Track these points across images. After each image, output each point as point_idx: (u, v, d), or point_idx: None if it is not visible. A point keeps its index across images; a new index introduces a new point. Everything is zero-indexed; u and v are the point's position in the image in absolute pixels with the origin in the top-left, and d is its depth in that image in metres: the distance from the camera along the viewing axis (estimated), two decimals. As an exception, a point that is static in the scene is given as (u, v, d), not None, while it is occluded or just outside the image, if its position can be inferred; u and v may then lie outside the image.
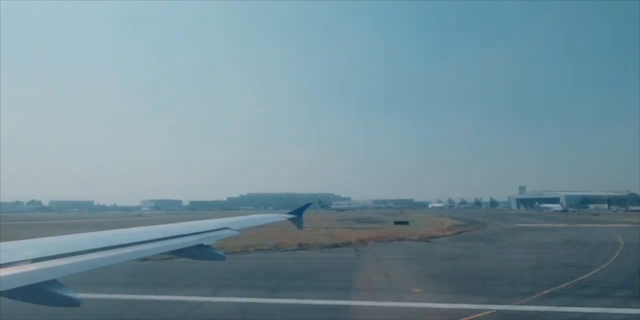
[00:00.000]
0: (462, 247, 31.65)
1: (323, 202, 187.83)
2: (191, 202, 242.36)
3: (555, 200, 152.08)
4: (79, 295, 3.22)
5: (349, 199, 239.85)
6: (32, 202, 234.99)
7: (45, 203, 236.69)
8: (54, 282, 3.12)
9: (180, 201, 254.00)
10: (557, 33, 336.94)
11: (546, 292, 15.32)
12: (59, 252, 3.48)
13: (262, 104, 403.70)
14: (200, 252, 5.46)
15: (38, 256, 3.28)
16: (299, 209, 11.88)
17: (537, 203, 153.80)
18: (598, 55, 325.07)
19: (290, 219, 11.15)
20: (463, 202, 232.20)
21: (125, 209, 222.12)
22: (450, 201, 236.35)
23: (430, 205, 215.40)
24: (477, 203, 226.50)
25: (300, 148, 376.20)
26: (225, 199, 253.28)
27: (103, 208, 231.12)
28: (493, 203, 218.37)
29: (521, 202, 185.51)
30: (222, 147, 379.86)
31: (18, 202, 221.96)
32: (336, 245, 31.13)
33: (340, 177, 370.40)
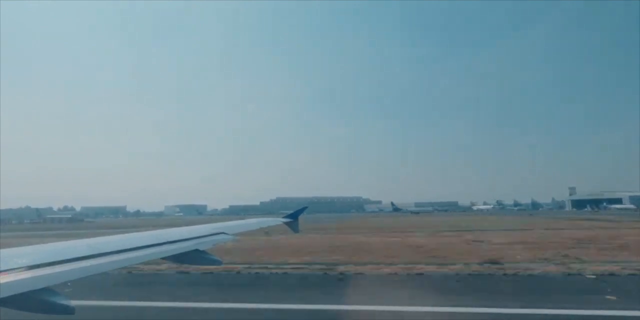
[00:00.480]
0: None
1: (395, 206, 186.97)
2: (231, 207, 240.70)
3: (617, 201, 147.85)
4: (74, 303, 3.18)
5: (379, 202, 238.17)
6: (66, 208, 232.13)
7: (77, 209, 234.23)
8: (47, 290, 3.07)
9: (205, 206, 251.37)
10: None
11: None
12: (53, 260, 3.43)
13: (285, 108, 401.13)
14: (196, 257, 5.41)
15: (31, 264, 3.23)
16: (294, 213, 11.86)
17: (604, 204, 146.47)
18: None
19: (286, 223, 11.12)
20: (517, 204, 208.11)
21: (157, 214, 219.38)
22: (498, 202, 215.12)
23: (475, 208, 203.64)
24: (516, 204, 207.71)
25: (326, 152, 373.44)
26: (258, 203, 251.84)
27: (137, 213, 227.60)
28: (535, 205, 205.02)
29: (578, 203, 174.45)
30: (249, 151, 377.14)
31: (48, 208, 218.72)
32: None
33: (367, 181, 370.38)
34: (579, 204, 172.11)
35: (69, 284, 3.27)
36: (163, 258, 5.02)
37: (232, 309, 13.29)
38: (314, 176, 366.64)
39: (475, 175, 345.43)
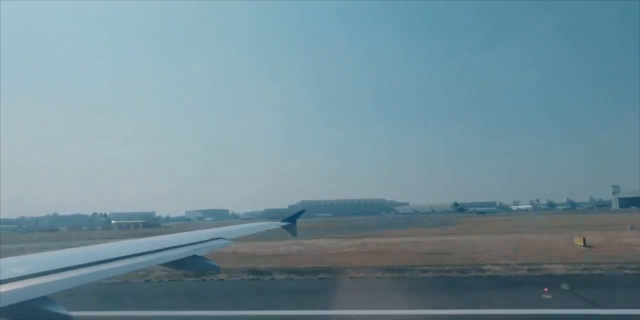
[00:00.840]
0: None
1: (460, 206, 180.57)
2: (266, 210, 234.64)
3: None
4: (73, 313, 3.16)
5: (406, 204, 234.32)
6: (95, 215, 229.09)
7: (107, 214, 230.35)
8: (45, 299, 3.06)
9: (226, 210, 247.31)
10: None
11: None
12: (50, 268, 3.42)
13: (297, 110, 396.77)
14: (194, 263, 5.40)
15: (30, 273, 3.22)
16: (292, 217, 11.83)
17: None
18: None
19: (284, 227, 11.09)
20: (551, 203, 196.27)
21: (184, 219, 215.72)
22: (537, 202, 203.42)
23: (514, 207, 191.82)
24: (551, 204, 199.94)
25: (347, 154, 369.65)
26: (286, 206, 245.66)
27: (167, 219, 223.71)
28: (571, 204, 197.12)
29: (627, 201, 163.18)
30: (268, 155, 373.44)
31: (78, 215, 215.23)
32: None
33: (390, 183, 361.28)
34: (629, 202, 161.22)
35: (68, 294, 3.25)
36: (162, 264, 5.01)
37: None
38: (335, 179, 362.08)
39: (500, 176, 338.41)
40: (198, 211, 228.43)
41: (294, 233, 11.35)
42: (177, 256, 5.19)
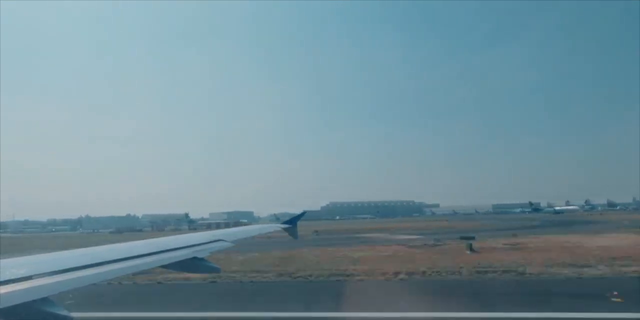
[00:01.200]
0: None
1: (535, 205, 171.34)
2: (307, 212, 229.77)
3: None
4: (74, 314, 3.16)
5: (437, 205, 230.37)
6: (128, 216, 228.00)
7: (139, 216, 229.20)
8: (45, 300, 3.06)
9: (251, 212, 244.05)
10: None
11: None
12: (50, 270, 3.42)
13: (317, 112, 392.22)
14: (194, 265, 5.40)
15: (28, 274, 3.22)
16: (293, 219, 11.84)
17: None
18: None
19: (285, 229, 11.09)
20: (589, 203, 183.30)
21: (214, 221, 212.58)
22: (587, 202, 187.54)
23: (557, 208, 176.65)
24: (588, 204, 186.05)
25: (376, 156, 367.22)
26: (319, 208, 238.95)
27: (199, 221, 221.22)
28: (611, 204, 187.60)
29: None
30: (296, 157, 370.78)
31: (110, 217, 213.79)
32: None
33: (418, 185, 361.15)
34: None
35: (70, 295, 3.25)
36: (162, 266, 5.01)
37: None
38: (360, 180, 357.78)
39: (528, 175, 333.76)
40: (223, 213, 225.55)
41: (294, 235, 11.35)
42: (178, 258, 5.19)
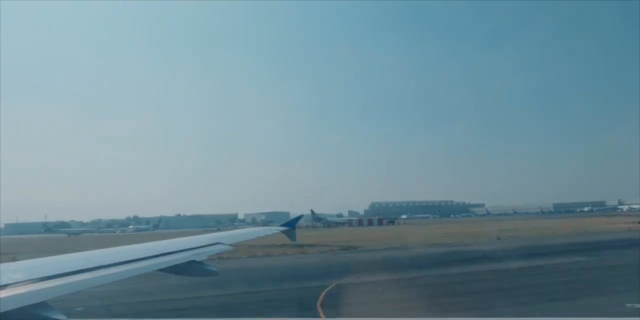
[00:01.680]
0: None
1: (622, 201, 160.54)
2: (349, 212, 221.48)
3: None
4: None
5: (482, 205, 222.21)
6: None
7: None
8: (42, 305, 3.06)
9: (287, 213, 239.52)
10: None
11: None
12: (47, 274, 3.42)
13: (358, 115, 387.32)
14: (192, 268, 5.40)
15: (25, 278, 3.22)
16: (291, 221, 11.85)
17: None
18: None
19: (283, 232, 11.09)
20: None
21: (253, 222, 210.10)
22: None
23: (624, 208, 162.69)
24: None
25: (414, 155, 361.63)
26: (362, 211, 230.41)
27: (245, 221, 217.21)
28: None
29: None
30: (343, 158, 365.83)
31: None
32: None
33: (457, 185, 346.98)
34: None
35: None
36: (159, 270, 5.01)
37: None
38: (406, 180, 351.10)
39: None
40: (261, 213, 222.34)
41: (292, 238, 11.35)
42: (175, 261, 5.19)
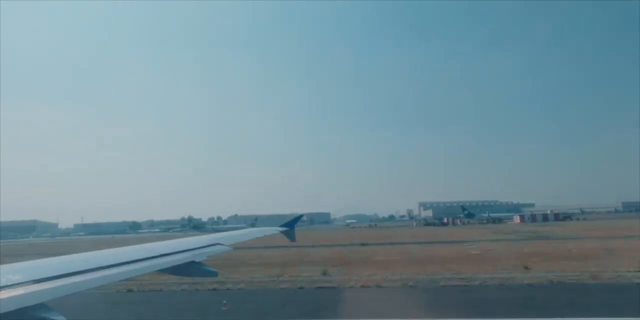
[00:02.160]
0: None
1: None
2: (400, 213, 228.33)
3: None
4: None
5: (532, 205, 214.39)
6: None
7: (223, 218, 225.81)
8: (41, 306, 3.05)
9: (328, 213, 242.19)
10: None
11: None
12: (46, 275, 3.40)
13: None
14: (192, 269, 5.39)
15: (24, 280, 3.21)
16: (290, 222, 11.82)
17: None
18: None
19: (283, 232, 11.07)
20: None
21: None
22: None
23: None
24: None
25: (459, 155, 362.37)
26: (404, 212, 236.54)
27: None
28: None
29: None
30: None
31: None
32: None
33: (502, 184, 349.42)
34: None
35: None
36: (159, 271, 4.99)
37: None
38: (452, 180, 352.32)
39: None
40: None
41: (292, 238, 11.33)
42: (175, 262, 5.18)
